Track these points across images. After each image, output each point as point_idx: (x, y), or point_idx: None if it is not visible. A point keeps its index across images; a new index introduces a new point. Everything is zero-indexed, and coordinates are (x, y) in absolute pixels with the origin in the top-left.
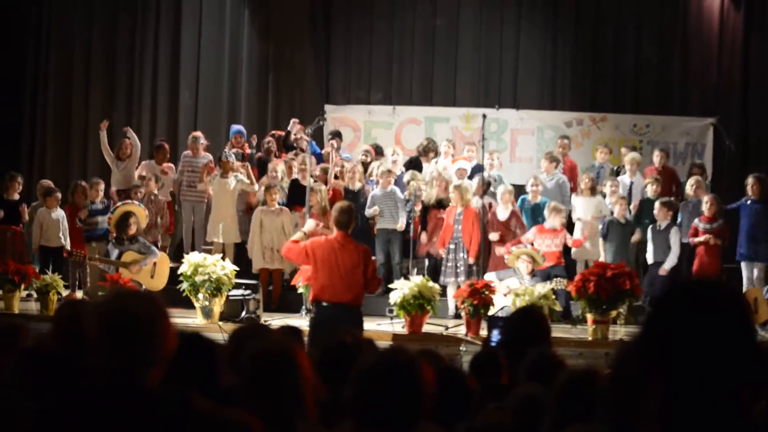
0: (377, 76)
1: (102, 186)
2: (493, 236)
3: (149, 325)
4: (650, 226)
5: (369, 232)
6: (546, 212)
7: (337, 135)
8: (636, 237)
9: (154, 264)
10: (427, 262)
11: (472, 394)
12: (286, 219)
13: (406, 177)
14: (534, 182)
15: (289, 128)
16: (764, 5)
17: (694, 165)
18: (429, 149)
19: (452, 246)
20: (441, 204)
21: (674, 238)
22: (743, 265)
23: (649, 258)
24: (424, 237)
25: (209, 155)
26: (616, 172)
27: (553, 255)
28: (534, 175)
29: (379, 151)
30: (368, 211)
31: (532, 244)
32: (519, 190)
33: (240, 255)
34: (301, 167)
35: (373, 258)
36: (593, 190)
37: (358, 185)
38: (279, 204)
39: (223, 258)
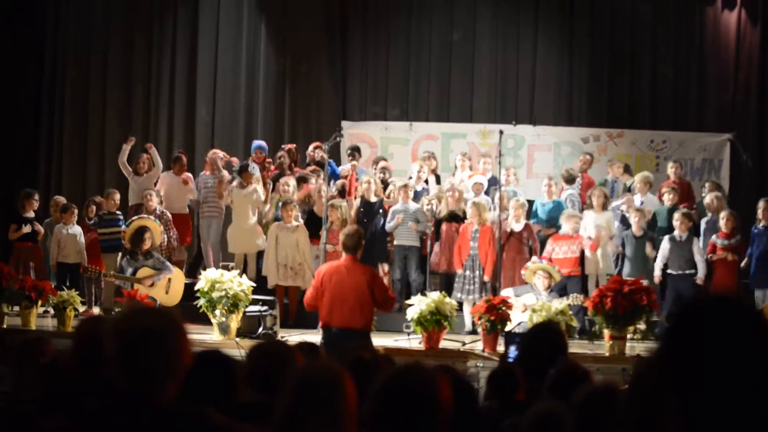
0: (394, 92)
1: (117, 196)
2: (517, 226)
3: (165, 341)
4: (668, 237)
5: (386, 248)
6: (562, 219)
7: (356, 150)
8: (650, 250)
9: (169, 279)
10: (440, 278)
11: (486, 409)
12: (302, 236)
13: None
14: (548, 182)
15: (309, 152)
16: None
17: (711, 182)
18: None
19: (468, 263)
20: (453, 217)
21: (697, 248)
22: (756, 292)
23: (659, 269)
24: (436, 247)
25: (225, 172)
26: (628, 189)
27: (570, 261)
28: (549, 175)
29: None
30: (389, 225)
31: (550, 259)
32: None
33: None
34: (319, 194)
35: (384, 272)
36: (605, 206)
37: (374, 198)
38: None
39: (244, 269)
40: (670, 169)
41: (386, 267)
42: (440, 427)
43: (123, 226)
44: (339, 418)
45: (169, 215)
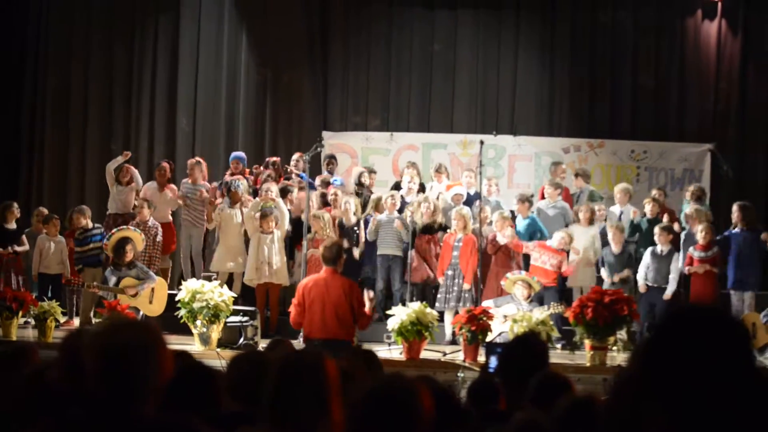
0: (374, 102)
1: (89, 213)
2: (508, 233)
3: (144, 354)
4: (650, 250)
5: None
6: (555, 232)
7: (332, 158)
8: (625, 275)
9: (153, 289)
10: (414, 289)
11: (468, 418)
12: (278, 241)
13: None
14: (518, 202)
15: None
16: (762, 32)
17: (696, 188)
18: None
19: (450, 272)
20: (427, 229)
21: (675, 265)
22: (732, 293)
23: (641, 280)
24: (414, 260)
25: (207, 184)
26: (599, 197)
27: (547, 273)
28: (519, 195)
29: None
30: (369, 231)
31: (526, 268)
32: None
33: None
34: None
35: (369, 298)
36: (591, 221)
37: (353, 219)
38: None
39: (230, 287)
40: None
41: (371, 293)
42: None
43: (102, 241)
44: (323, 399)
45: (159, 227)
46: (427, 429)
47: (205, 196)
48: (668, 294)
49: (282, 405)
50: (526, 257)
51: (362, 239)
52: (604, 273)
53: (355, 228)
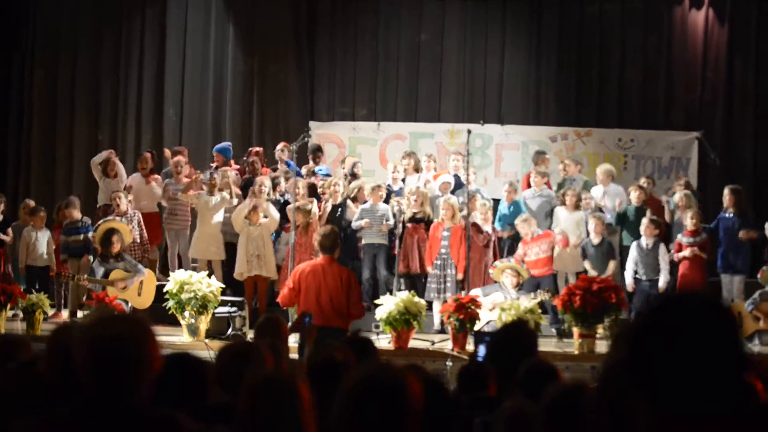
0: (362, 92)
1: (78, 203)
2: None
3: (134, 347)
4: (635, 244)
5: (356, 247)
6: (519, 227)
7: (318, 150)
8: (611, 269)
9: (141, 282)
10: (403, 281)
11: (456, 407)
12: (266, 227)
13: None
14: (508, 188)
15: (277, 152)
16: (748, 20)
17: (683, 179)
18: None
19: (439, 262)
20: (414, 219)
21: (664, 258)
22: (723, 277)
23: (629, 276)
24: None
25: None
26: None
27: (542, 262)
28: (509, 181)
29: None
30: (356, 224)
31: (522, 261)
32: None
33: (228, 273)
34: (295, 191)
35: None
36: (577, 206)
37: (340, 200)
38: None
39: (209, 275)
40: (642, 183)
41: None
42: (411, 425)
43: (90, 233)
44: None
45: (140, 216)
46: (416, 418)
47: (186, 181)
48: (662, 285)
49: (257, 427)
50: (512, 245)
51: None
52: (587, 265)
53: (338, 210)
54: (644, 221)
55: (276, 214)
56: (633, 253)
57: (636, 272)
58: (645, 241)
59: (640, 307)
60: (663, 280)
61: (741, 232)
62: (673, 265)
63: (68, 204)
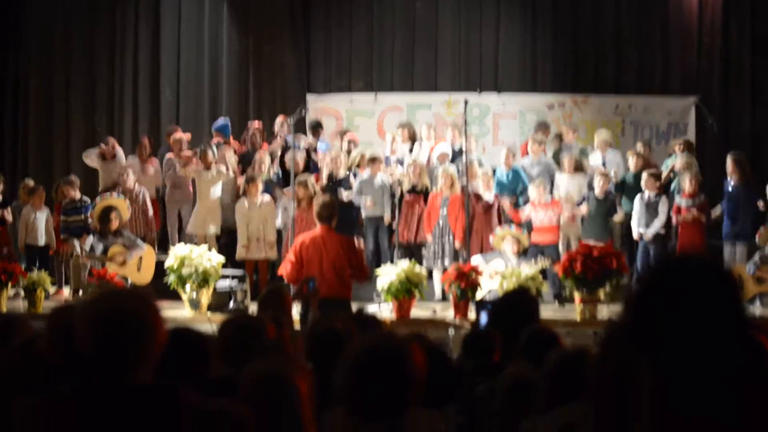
0: (358, 64)
1: (78, 183)
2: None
3: (137, 321)
4: (638, 198)
5: (357, 220)
6: (530, 190)
7: (318, 125)
8: (619, 217)
9: (140, 258)
10: (401, 252)
11: (459, 376)
12: (268, 211)
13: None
14: (507, 153)
15: (276, 125)
16: None
17: (684, 141)
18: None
19: (437, 231)
20: (414, 190)
21: (663, 207)
22: (726, 244)
23: (636, 231)
24: (401, 221)
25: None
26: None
27: (548, 230)
28: (507, 147)
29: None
30: (357, 199)
31: (519, 225)
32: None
33: (228, 245)
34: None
35: (360, 247)
36: (576, 168)
37: (342, 173)
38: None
39: (209, 249)
40: (638, 148)
41: (362, 241)
42: (413, 393)
43: (89, 212)
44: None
45: (146, 193)
46: (419, 387)
47: (187, 155)
48: (648, 234)
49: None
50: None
51: (342, 196)
52: (583, 209)
53: (342, 188)
54: (644, 176)
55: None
56: (636, 207)
57: (638, 225)
58: (648, 193)
59: (643, 264)
60: (652, 230)
61: (760, 202)
62: (673, 228)
63: (67, 182)
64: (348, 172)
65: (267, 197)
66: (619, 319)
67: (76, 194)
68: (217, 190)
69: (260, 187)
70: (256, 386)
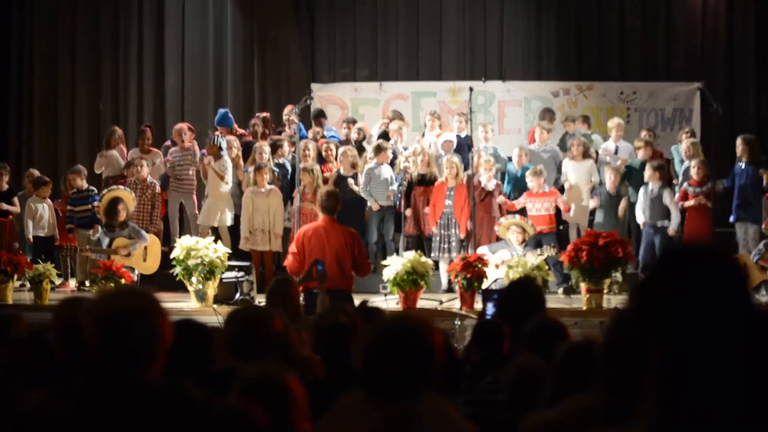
0: (362, 52)
1: (85, 173)
2: (500, 199)
3: (142, 320)
4: (641, 189)
5: (362, 211)
6: (528, 178)
7: (321, 114)
8: (622, 207)
9: (146, 248)
10: (410, 241)
11: (462, 367)
12: (274, 200)
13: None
14: (519, 152)
15: (285, 115)
16: None
17: (689, 130)
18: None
19: (443, 221)
20: (423, 180)
21: (670, 199)
22: (737, 226)
23: (640, 218)
24: (408, 213)
25: (196, 148)
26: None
27: (544, 219)
28: (519, 146)
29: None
30: (365, 191)
31: (521, 213)
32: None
33: (235, 236)
34: (304, 152)
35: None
36: (584, 155)
37: (351, 171)
38: (269, 184)
39: (216, 241)
40: (643, 136)
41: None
42: (433, 372)
43: (96, 202)
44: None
45: (158, 186)
46: (440, 367)
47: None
48: (672, 229)
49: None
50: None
51: (355, 189)
52: (597, 211)
53: (350, 179)
54: (647, 167)
55: (229, 176)
56: (640, 198)
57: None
58: (651, 186)
59: (644, 257)
60: (674, 223)
61: (761, 170)
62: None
63: (73, 171)
64: (356, 172)
65: (273, 187)
66: (625, 307)
67: (83, 184)
68: (228, 181)
69: (267, 176)
70: (249, 389)
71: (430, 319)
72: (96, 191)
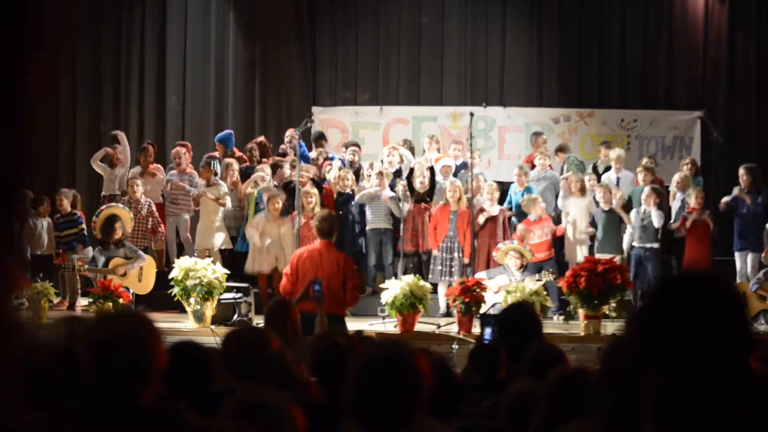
0: (364, 76)
1: (70, 196)
2: (495, 209)
3: (136, 344)
4: (633, 212)
5: (358, 235)
6: (524, 208)
7: (321, 137)
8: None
9: (141, 268)
10: (408, 260)
11: (460, 391)
12: (287, 230)
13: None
14: (519, 172)
15: (286, 138)
16: None
17: (690, 160)
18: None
19: (445, 245)
20: (421, 199)
21: (656, 217)
22: (737, 255)
23: (626, 242)
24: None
25: (195, 173)
26: (593, 168)
27: (544, 245)
28: (518, 165)
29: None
30: (358, 197)
31: (521, 241)
32: (508, 187)
33: (232, 260)
34: (302, 172)
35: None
36: (583, 191)
37: (348, 190)
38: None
39: (213, 262)
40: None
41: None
42: (421, 399)
43: (82, 224)
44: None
45: (153, 204)
46: (426, 393)
47: (194, 192)
48: (656, 223)
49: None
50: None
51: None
52: (597, 233)
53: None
54: (646, 189)
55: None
56: (633, 220)
57: (631, 239)
58: (644, 207)
59: (635, 279)
60: (657, 221)
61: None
62: (679, 243)
63: (60, 194)
64: (352, 190)
65: (287, 219)
66: (622, 333)
67: (68, 207)
68: (228, 204)
69: (279, 205)
70: (246, 411)
71: (414, 342)
72: (77, 214)
